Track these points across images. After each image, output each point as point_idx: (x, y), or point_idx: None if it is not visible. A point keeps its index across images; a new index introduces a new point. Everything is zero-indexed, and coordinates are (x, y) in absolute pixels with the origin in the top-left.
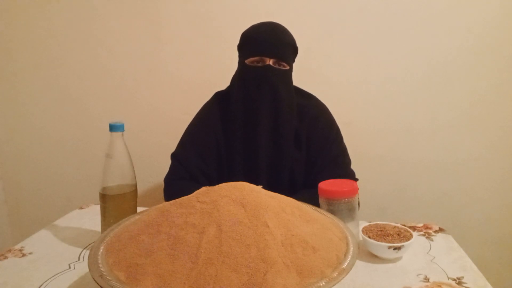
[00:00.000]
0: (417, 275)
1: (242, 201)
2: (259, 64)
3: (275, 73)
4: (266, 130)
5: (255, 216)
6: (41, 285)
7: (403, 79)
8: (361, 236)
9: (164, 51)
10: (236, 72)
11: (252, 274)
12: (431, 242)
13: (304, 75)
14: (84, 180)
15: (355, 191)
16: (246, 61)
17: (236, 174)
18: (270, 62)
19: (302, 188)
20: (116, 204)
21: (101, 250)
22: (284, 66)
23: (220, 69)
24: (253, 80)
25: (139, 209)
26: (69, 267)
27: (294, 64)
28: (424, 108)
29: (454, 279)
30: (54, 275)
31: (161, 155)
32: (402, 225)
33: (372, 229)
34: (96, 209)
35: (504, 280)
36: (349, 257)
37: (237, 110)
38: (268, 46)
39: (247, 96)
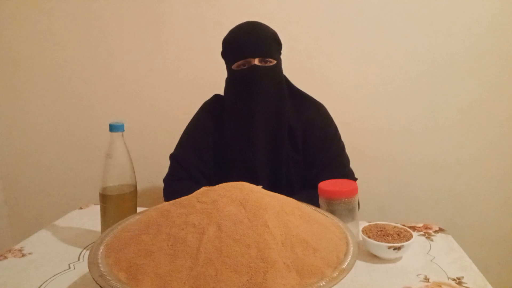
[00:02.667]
0: (417, 275)
1: (242, 201)
2: (245, 67)
3: (262, 72)
4: (261, 129)
5: (255, 216)
6: (41, 285)
7: (403, 79)
8: (361, 236)
9: (164, 51)
10: (226, 79)
11: (252, 274)
12: (431, 242)
13: (304, 75)
14: (84, 180)
15: (355, 191)
16: (232, 66)
17: (235, 174)
18: (256, 61)
19: (301, 188)
20: (116, 204)
21: (101, 250)
22: (270, 62)
23: (220, 69)
24: (243, 83)
25: (139, 209)
26: (69, 267)
27: (294, 64)
28: (424, 108)
29: (454, 279)
30: (54, 275)
31: (161, 155)
32: (402, 225)
33: (372, 229)
34: (96, 209)
35: (504, 280)
36: (349, 257)
37: (231, 113)
38: (249, 47)
39: (239, 99)
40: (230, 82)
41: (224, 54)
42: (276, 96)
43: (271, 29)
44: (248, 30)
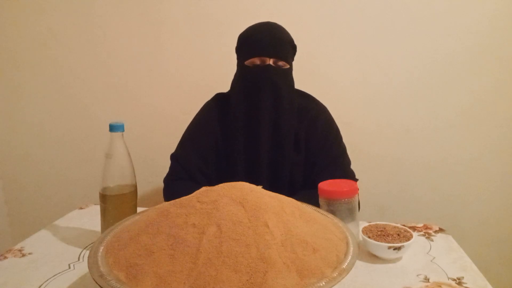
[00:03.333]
0: (417, 275)
1: (242, 201)
2: (259, 64)
3: (276, 72)
4: (267, 130)
5: (255, 216)
6: (41, 285)
7: (403, 79)
8: (361, 236)
9: (164, 51)
10: (236, 75)
11: (252, 274)
12: (431, 242)
13: (305, 75)
14: (84, 180)
15: (355, 191)
16: (245, 62)
17: (237, 173)
18: (270, 61)
19: (302, 188)
20: (116, 204)
21: (101, 250)
22: (284, 65)
23: (220, 69)
24: (254, 80)
25: (139, 209)
26: (69, 267)
27: (295, 64)
28: (424, 108)
29: (454, 279)
30: (54, 275)
31: (161, 155)
32: (402, 225)
33: (372, 229)
34: (96, 209)
35: (504, 280)
36: (349, 257)
37: (238, 111)
38: (267, 46)
39: (248, 96)
40: (240, 78)
41: (238, 49)
42: (285, 99)
43: (289, 34)
44: (267, 30)
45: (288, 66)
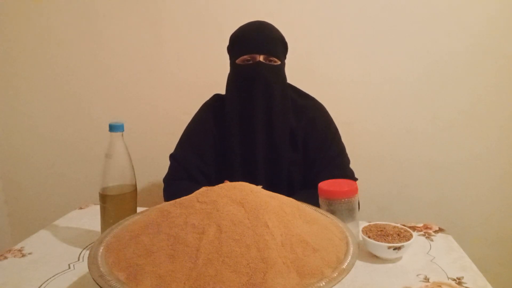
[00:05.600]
0: (417, 275)
1: (242, 201)
2: (250, 62)
3: (266, 69)
4: (261, 127)
5: (255, 216)
6: (41, 285)
7: (403, 79)
8: (361, 236)
9: (164, 51)
10: (229, 74)
11: (252, 274)
12: (431, 242)
13: (304, 75)
14: (84, 180)
15: (355, 191)
16: (237, 61)
17: (235, 173)
18: (261, 58)
19: (302, 188)
20: (116, 204)
21: (101, 250)
22: (275, 62)
23: (220, 69)
24: (246, 78)
25: (139, 209)
26: (69, 267)
27: (294, 64)
28: (424, 108)
29: (454, 279)
30: (54, 275)
31: (161, 155)
32: (402, 225)
33: (372, 229)
34: (96, 209)
35: (504, 280)
36: (349, 257)
37: (232, 110)
38: (256, 43)
39: (241, 94)
40: (233, 77)
41: (230, 48)
42: (278, 96)
43: (279, 32)
44: (257, 28)
45: (279, 63)
